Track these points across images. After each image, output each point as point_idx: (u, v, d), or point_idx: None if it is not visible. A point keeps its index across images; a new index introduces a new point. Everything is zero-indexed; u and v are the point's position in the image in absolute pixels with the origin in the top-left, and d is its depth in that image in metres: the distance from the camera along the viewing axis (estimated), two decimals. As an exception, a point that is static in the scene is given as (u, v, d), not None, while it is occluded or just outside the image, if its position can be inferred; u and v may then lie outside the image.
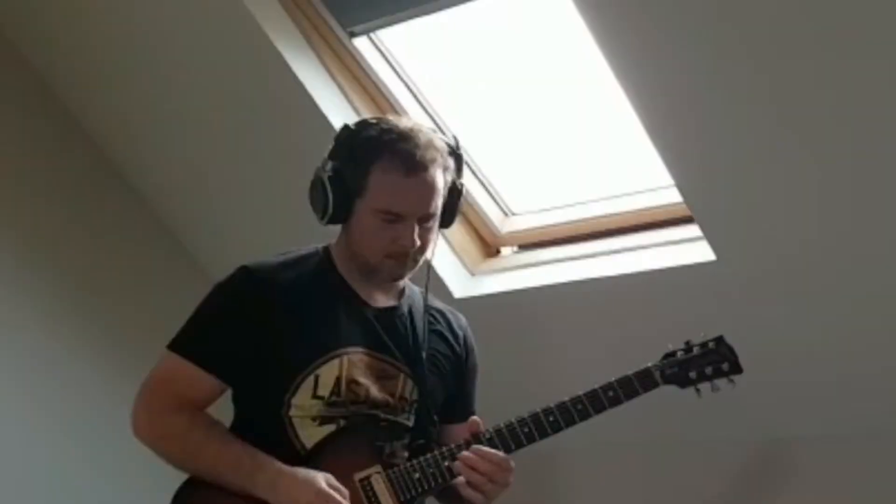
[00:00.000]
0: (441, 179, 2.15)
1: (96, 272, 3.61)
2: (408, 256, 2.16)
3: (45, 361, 3.44)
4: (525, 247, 3.34)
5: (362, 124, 2.18)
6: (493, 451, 2.09)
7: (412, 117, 2.23)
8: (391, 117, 2.22)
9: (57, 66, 3.62)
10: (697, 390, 2.20)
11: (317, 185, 2.17)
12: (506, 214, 3.39)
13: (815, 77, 2.32)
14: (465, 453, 2.09)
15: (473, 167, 3.32)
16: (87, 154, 3.69)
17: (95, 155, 3.70)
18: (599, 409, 2.13)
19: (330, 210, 2.15)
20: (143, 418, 2.15)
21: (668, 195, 2.93)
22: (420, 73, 3.26)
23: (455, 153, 2.21)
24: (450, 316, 2.34)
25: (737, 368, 2.21)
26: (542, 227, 3.28)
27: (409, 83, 3.26)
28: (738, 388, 2.22)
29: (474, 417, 2.16)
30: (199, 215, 3.76)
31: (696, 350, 2.20)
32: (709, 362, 2.20)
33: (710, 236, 2.71)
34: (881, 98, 2.29)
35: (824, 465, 2.81)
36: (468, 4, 2.94)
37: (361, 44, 3.21)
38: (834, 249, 2.57)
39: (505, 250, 3.38)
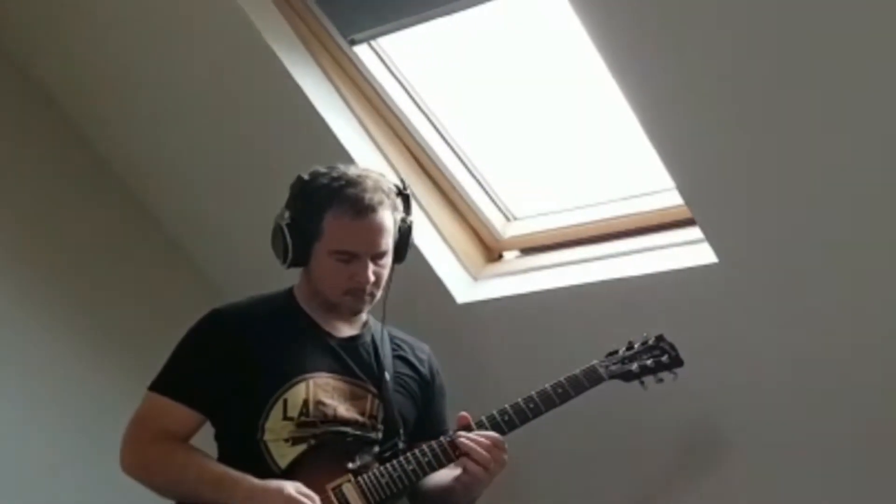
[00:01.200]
0: (390, 219, 2.36)
1: (98, 280, 3.61)
2: (364, 292, 2.35)
3: (47, 369, 3.44)
4: (527, 251, 3.34)
5: (314, 174, 2.37)
6: (489, 432, 2.29)
7: (360, 165, 2.53)
8: (341, 165, 2.40)
9: (61, 79, 3.62)
10: (642, 383, 2.42)
11: (277, 233, 2.37)
12: (507, 219, 3.40)
13: (818, 79, 2.32)
14: (468, 433, 2.29)
15: (475, 171, 3.33)
16: (90, 164, 3.69)
17: (98, 165, 3.71)
18: (550, 406, 2.35)
19: (290, 255, 2.35)
20: (129, 451, 2.34)
21: (670, 198, 2.94)
22: (421, 79, 3.26)
23: (402, 194, 2.41)
24: (413, 343, 2.52)
25: (677, 361, 2.43)
26: (543, 231, 3.29)
27: (410, 89, 3.27)
28: (739, 389, 2.24)
29: (463, 413, 2.34)
30: (202, 223, 3.76)
31: (637, 347, 2.46)
32: (650, 356, 2.44)
33: (712, 238, 2.71)
34: (884, 99, 2.29)
35: (824, 467, 2.81)
36: (468, 10, 2.95)
37: (362, 51, 3.21)
38: (836, 250, 2.57)
39: (507, 255, 3.38)
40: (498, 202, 3.37)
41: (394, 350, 2.46)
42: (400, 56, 3.24)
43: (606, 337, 2.95)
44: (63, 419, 3.43)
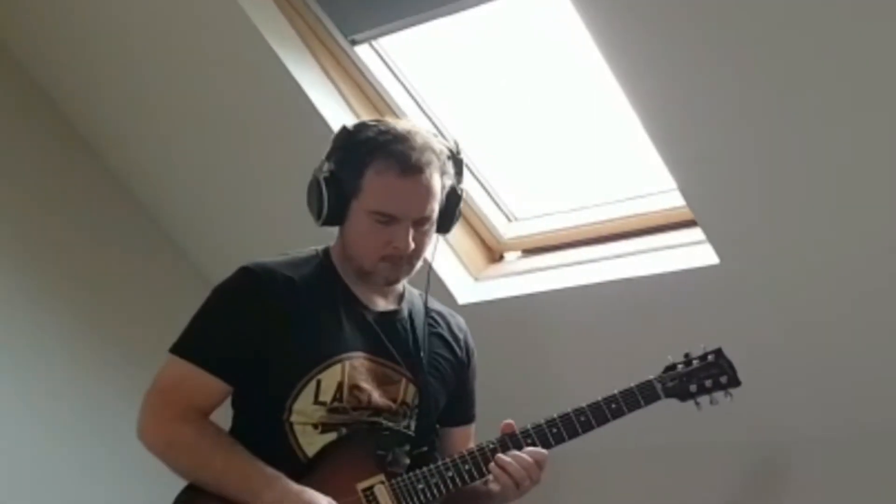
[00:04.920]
0: (438, 183, 2.15)
1: (95, 276, 3.62)
2: (402, 259, 2.15)
3: (44, 367, 3.45)
4: (529, 252, 3.34)
5: (360, 126, 2.17)
6: (534, 449, 2.12)
7: (411, 119, 2.23)
8: (390, 119, 2.21)
9: (58, 76, 3.63)
10: (697, 403, 2.23)
11: (313, 186, 2.16)
12: (509, 219, 3.39)
13: (819, 80, 2.32)
14: (511, 455, 2.11)
15: (476, 172, 3.33)
16: (86, 160, 3.70)
17: (95, 161, 3.72)
18: (602, 422, 2.17)
19: (325, 211, 2.14)
20: (151, 425, 2.12)
21: (671, 199, 2.94)
22: (422, 79, 3.26)
23: (455, 158, 2.21)
24: (449, 318, 2.34)
25: (735, 381, 2.25)
26: (545, 232, 3.29)
27: (411, 90, 3.27)
28: (740, 390, 2.23)
29: (508, 420, 2.17)
30: (202, 220, 3.77)
31: (695, 363, 2.24)
32: (708, 375, 2.24)
33: (714, 239, 2.71)
34: (886, 99, 2.29)
35: (826, 468, 2.81)
36: (470, 11, 2.95)
37: (363, 51, 3.21)
38: (837, 250, 2.57)
39: (508, 255, 3.38)
40: (499, 203, 3.37)
41: (430, 326, 2.27)
42: (401, 56, 3.24)
43: (608, 338, 2.97)
44: (58, 413, 3.43)
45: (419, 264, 2.20)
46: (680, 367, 2.24)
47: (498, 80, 3.24)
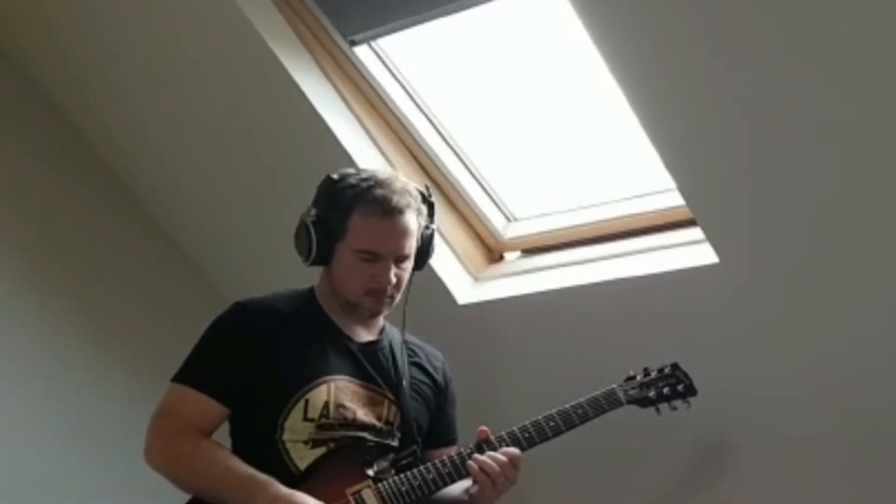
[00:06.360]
0: (415, 223, 2.38)
1: (99, 281, 3.62)
2: (385, 293, 2.37)
3: (47, 368, 3.44)
4: (528, 252, 3.34)
5: (343, 174, 2.39)
6: (507, 448, 2.31)
7: (387, 168, 2.57)
8: (368, 168, 2.46)
9: (60, 81, 3.63)
10: (657, 409, 2.48)
11: (301, 230, 2.39)
12: (508, 219, 3.40)
13: (818, 79, 2.32)
14: (485, 454, 2.30)
15: (476, 172, 3.33)
16: (89, 165, 3.70)
17: (97, 166, 3.71)
18: (570, 426, 2.38)
19: (314, 253, 2.37)
20: (154, 443, 2.31)
21: (671, 198, 2.94)
22: (421, 79, 3.26)
23: (427, 201, 2.43)
24: (428, 350, 2.55)
25: (691, 391, 2.49)
26: (545, 232, 3.29)
27: (410, 90, 3.27)
28: (739, 389, 2.24)
29: (483, 427, 2.35)
30: (201, 223, 3.76)
31: (653, 374, 2.50)
32: (666, 384, 2.50)
33: (713, 239, 2.71)
34: (885, 100, 2.29)
35: (826, 469, 2.81)
36: (469, 11, 2.95)
37: (362, 52, 3.21)
38: (836, 250, 2.57)
39: (508, 255, 3.38)
40: (499, 203, 3.37)
41: (409, 356, 2.48)
42: (400, 56, 3.24)
43: (608, 338, 2.97)
44: (63, 417, 3.42)
45: (399, 297, 2.41)
46: (639, 377, 2.49)
47: (497, 80, 3.24)
